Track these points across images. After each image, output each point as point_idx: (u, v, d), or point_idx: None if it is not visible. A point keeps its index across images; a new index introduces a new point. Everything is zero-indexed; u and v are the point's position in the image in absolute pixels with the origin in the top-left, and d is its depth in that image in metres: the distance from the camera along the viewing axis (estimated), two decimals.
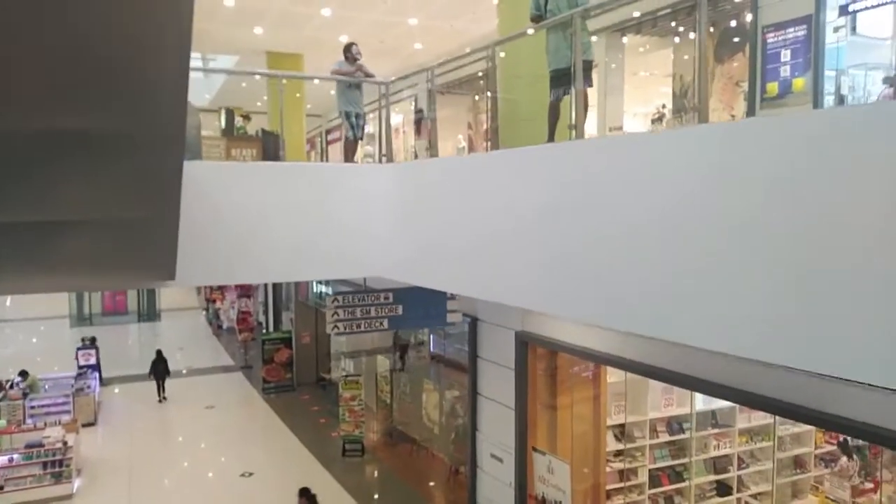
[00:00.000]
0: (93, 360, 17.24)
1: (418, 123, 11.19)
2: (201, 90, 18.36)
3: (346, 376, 13.27)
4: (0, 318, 26.96)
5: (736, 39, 7.89)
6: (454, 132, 12.77)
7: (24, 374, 14.56)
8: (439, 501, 10.76)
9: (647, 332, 4.12)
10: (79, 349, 17.58)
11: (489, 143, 6.17)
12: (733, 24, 7.89)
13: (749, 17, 7.45)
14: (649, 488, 8.09)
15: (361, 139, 8.29)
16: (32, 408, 13.56)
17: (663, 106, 10.40)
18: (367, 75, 7.95)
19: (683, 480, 8.25)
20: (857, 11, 6.70)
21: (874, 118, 2.81)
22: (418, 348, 12.69)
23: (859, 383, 4.15)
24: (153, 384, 16.49)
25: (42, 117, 2.52)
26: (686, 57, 8.92)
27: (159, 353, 16.76)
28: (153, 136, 2.84)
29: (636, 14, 8.69)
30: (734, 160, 3.28)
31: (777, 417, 8.01)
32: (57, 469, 11.13)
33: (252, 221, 6.19)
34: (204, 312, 29.26)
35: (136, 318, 28.71)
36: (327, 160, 13.99)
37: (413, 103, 11.47)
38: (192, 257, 5.58)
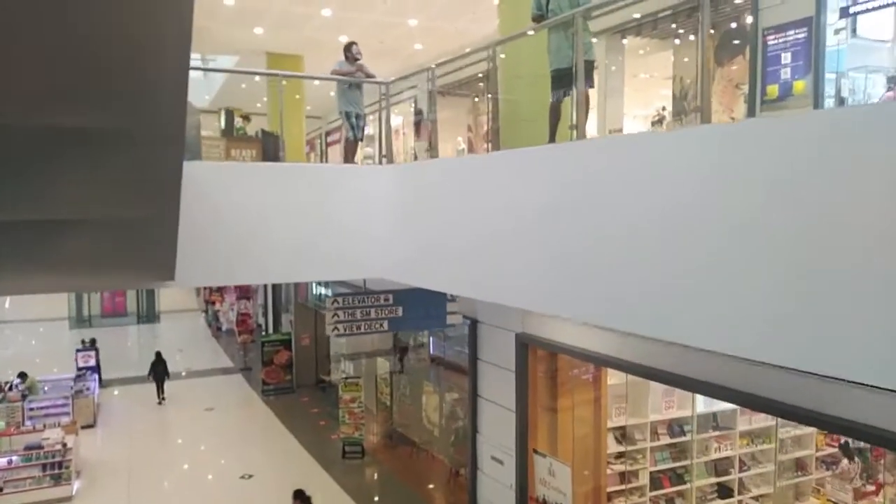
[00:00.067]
0: (92, 362, 17.22)
1: (418, 125, 11.18)
2: (201, 91, 18.36)
3: (346, 378, 13.25)
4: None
5: (736, 42, 7.89)
6: (454, 134, 12.76)
7: (23, 375, 14.53)
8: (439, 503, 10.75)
9: (647, 333, 4.11)
10: (78, 351, 17.56)
11: (490, 144, 6.16)
12: (733, 26, 7.89)
13: (749, 20, 7.45)
14: (650, 490, 8.08)
15: (361, 140, 8.28)
16: (31, 409, 13.53)
17: (663, 108, 10.41)
18: (368, 75, 7.94)
19: (684, 483, 8.23)
20: (858, 14, 6.70)
21: (875, 119, 2.80)
22: (418, 350, 12.67)
23: (860, 384, 4.14)
24: (153, 386, 16.46)
25: (42, 116, 2.52)
26: (686, 59, 8.92)
27: (158, 354, 16.74)
28: (153, 135, 2.84)
29: (636, 16, 8.70)
30: (735, 161, 3.27)
31: (778, 420, 8.00)
32: (56, 471, 11.09)
33: (252, 222, 6.18)
34: (203, 314, 29.23)
35: (136, 320, 28.67)
36: (327, 161, 13.97)
37: (413, 105, 11.46)
38: (192, 258, 5.57)
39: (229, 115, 11.88)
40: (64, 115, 2.53)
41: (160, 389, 16.44)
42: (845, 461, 7.65)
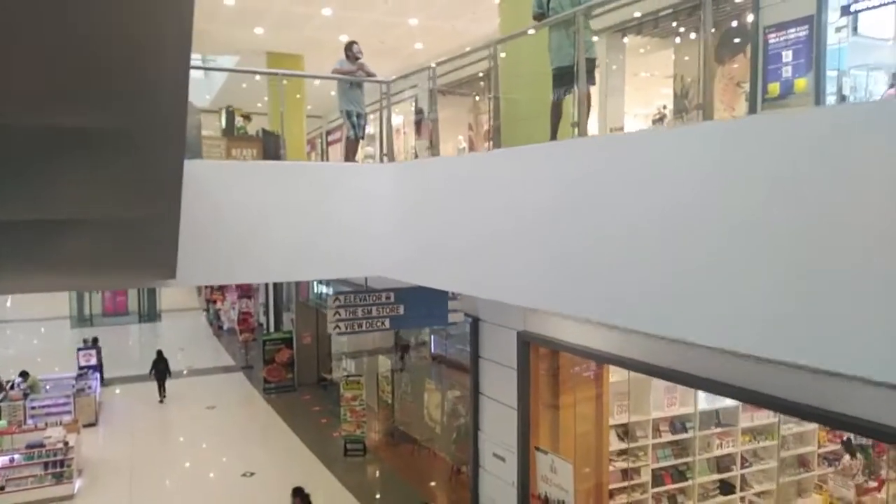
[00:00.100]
0: (93, 361, 17.25)
1: (418, 124, 11.19)
2: (202, 91, 18.38)
3: (348, 376, 13.26)
4: (1, 319, 26.95)
5: (737, 40, 7.88)
6: (454, 133, 12.77)
7: (24, 374, 14.56)
8: (441, 501, 10.75)
9: (649, 330, 4.11)
10: (79, 350, 17.59)
11: (491, 143, 6.16)
12: (734, 24, 7.89)
13: (750, 18, 7.44)
14: (652, 487, 8.08)
15: (363, 139, 8.28)
16: (33, 408, 13.56)
17: (664, 107, 10.41)
18: (369, 74, 7.93)
19: (686, 480, 8.24)
20: (859, 12, 6.69)
21: (876, 116, 2.80)
22: (419, 349, 12.68)
23: (863, 381, 4.14)
24: (154, 384, 16.49)
25: (43, 115, 2.52)
26: (687, 58, 8.92)
27: (160, 353, 16.77)
28: (154, 134, 2.83)
29: (637, 14, 8.69)
30: (737, 158, 3.27)
31: (780, 416, 8.00)
32: (58, 469, 11.12)
33: (253, 221, 6.18)
34: (204, 313, 29.26)
35: (137, 319, 28.72)
36: (328, 161, 13.98)
37: (413, 104, 11.46)
38: (193, 256, 5.57)
39: (230, 114, 11.88)
40: (65, 115, 2.53)
41: (161, 388, 16.46)
42: (847, 457, 7.65)
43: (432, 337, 11.87)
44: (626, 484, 8.03)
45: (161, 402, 16.33)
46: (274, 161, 7.96)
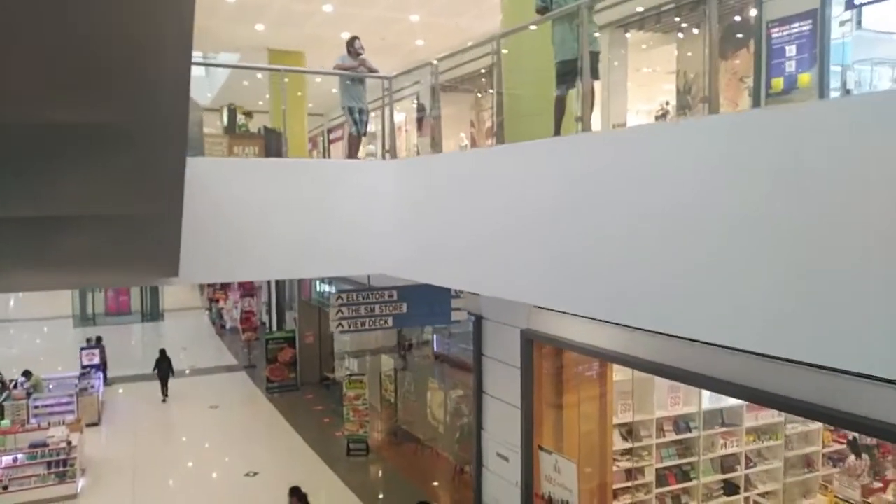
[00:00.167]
0: (96, 360, 17.25)
1: (420, 121, 11.15)
2: (203, 89, 18.36)
3: (350, 375, 13.24)
4: (4, 319, 26.98)
5: (739, 35, 7.84)
6: (456, 130, 12.72)
7: (27, 373, 14.56)
8: (445, 501, 10.72)
9: (652, 327, 4.08)
10: (82, 349, 17.59)
11: (494, 139, 6.13)
12: (737, 19, 7.84)
13: (753, 13, 7.40)
14: (656, 487, 8.05)
15: (365, 135, 8.25)
16: (36, 407, 13.55)
17: (667, 102, 10.36)
18: (370, 70, 7.89)
19: (691, 479, 8.20)
20: (864, 5, 6.65)
21: (883, 108, 2.76)
22: (422, 348, 12.65)
23: (869, 379, 4.10)
24: (157, 384, 16.49)
25: (44, 114, 2.50)
26: (689, 54, 8.88)
27: (163, 352, 16.78)
28: (156, 131, 2.82)
29: (639, 10, 8.65)
30: (739, 153, 3.24)
31: (785, 416, 7.96)
32: (61, 469, 11.10)
33: (255, 218, 6.16)
34: (207, 312, 29.26)
35: (140, 318, 28.75)
36: (330, 158, 13.95)
37: (415, 101, 11.42)
38: (196, 254, 5.55)
39: (232, 112, 11.86)
40: (66, 112, 2.52)
41: (164, 387, 16.46)
42: (852, 457, 7.60)
43: (435, 336, 11.84)
44: (629, 484, 8.00)
45: (164, 401, 16.33)
46: (276, 158, 7.94)
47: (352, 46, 7.86)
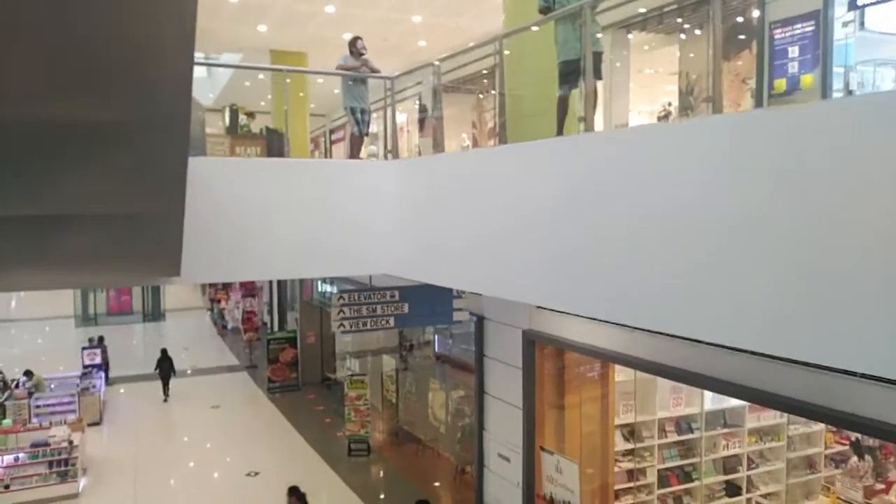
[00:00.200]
0: (98, 360, 17.26)
1: (422, 122, 11.14)
2: (205, 89, 18.36)
3: (352, 376, 13.24)
4: (6, 319, 27.01)
5: (742, 36, 7.83)
6: (458, 131, 12.71)
7: (28, 373, 14.57)
8: (446, 501, 10.71)
9: (653, 326, 4.08)
10: (84, 349, 17.61)
11: (496, 139, 6.12)
12: (739, 20, 7.83)
13: (755, 14, 7.39)
14: (658, 488, 8.04)
15: (367, 135, 8.25)
16: (38, 407, 13.56)
17: (669, 104, 10.35)
18: (373, 70, 7.89)
19: (692, 480, 8.19)
20: (866, 6, 6.64)
21: (884, 108, 2.76)
22: (423, 348, 12.65)
23: (872, 380, 4.09)
24: (158, 383, 16.50)
25: (45, 111, 2.50)
26: (692, 55, 8.86)
27: (164, 351, 16.79)
28: (158, 131, 2.81)
29: (642, 10, 8.64)
30: (743, 152, 3.23)
31: (788, 417, 7.95)
32: (62, 468, 11.11)
33: (257, 218, 6.16)
34: (209, 312, 29.27)
35: (141, 318, 28.77)
36: (331, 159, 13.94)
37: (417, 101, 11.43)
38: (197, 253, 5.55)
39: (234, 112, 11.87)
40: (69, 113, 2.52)
41: (166, 386, 16.47)
42: (854, 459, 7.59)
43: (436, 336, 11.84)
44: (631, 485, 7.99)
45: (165, 400, 16.34)
46: (278, 158, 7.94)
47: (354, 47, 7.86)
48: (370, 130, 8.63)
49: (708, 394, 7.90)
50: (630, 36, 9.32)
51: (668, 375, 6.10)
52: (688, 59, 8.86)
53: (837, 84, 6.75)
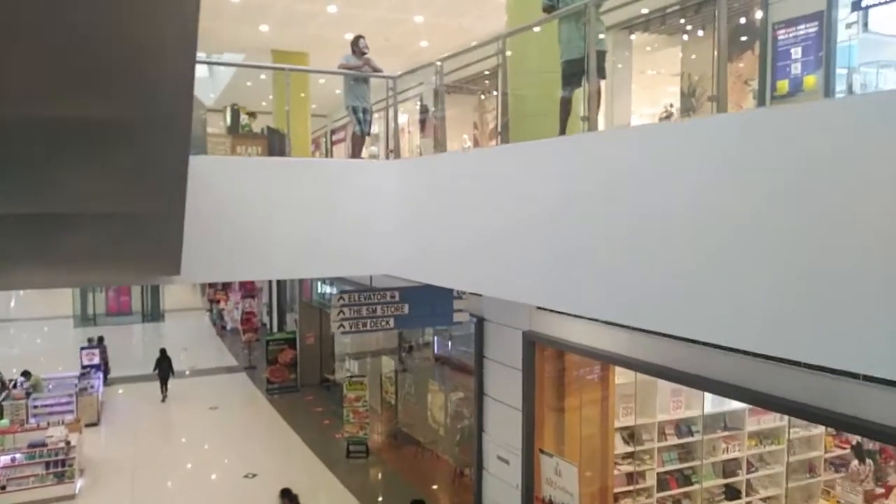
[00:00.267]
0: (96, 360, 17.22)
1: (423, 122, 11.14)
2: (207, 89, 18.36)
3: (351, 377, 13.20)
4: (5, 318, 26.96)
5: (744, 38, 7.82)
6: (459, 132, 12.70)
7: (26, 374, 14.53)
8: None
9: (654, 327, 4.06)
10: (83, 349, 17.57)
11: (497, 141, 6.10)
12: (742, 21, 7.82)
13: (759, 14, 7.37)
14: (657, 492, 8.01)
15: (368, 134, 8.23)
16: (35, 407, 13.52)
17: (671, 105, 10.33)
18: (375, 70, 7.88)
19: (692, 484, 8.16)
20: (870, 7, 6.62)
21: (885, 107, 2.74)
22: (423, 349, 12.62)
23: (873, 383, 4.07)
24: (156, 384, 16.48)
25: (46, 110, 2.48)
26: (694, 56, 8.85)
27: (163, 351, 16.78)
28: (159, 129, 2.80)
29: (644, 11, 8.63)
30: (743, 152, 3.22)
31: (788, 420, 7.92)
32: (59, 469, 11.06)
33: (257, 217, 6.14)
34: (208, 313, 29.24)
35: (140, 319, 28.72)
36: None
37: (418, 102, 11.42)
38: (197, 252, 5.52)
39: (235, 112, 11.86)
40: (70, 112, 2.51)
41: (164, 386, 16.43)
42: (855, 462, 7.56)
43: (435, 338, 11.81)
44: (631, 488, 7.96)
45: (163, 400, 16.30)
46: (279, 157, 7.91)
47: (356, 46, 7.84)
48: (372, 131, 8.62)
49: (708, 397, 7.87)
50: (632, 37, 9.31)
51: (669, 377, 6.07)
52: (690, 61, 8.84)
53: (840, 86, 6.74)
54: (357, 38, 7.86)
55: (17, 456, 11.05)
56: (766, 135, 3.13)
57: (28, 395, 13.81)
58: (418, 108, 11.42)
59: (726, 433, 8.27)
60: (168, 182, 3.51)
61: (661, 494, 8.04)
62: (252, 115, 12.51)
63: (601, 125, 8.01)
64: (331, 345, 16.81)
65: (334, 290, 13.08)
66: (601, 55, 4.94)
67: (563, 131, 5.28)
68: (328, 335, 16.59)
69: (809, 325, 2.89)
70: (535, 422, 7.59)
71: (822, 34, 6.62)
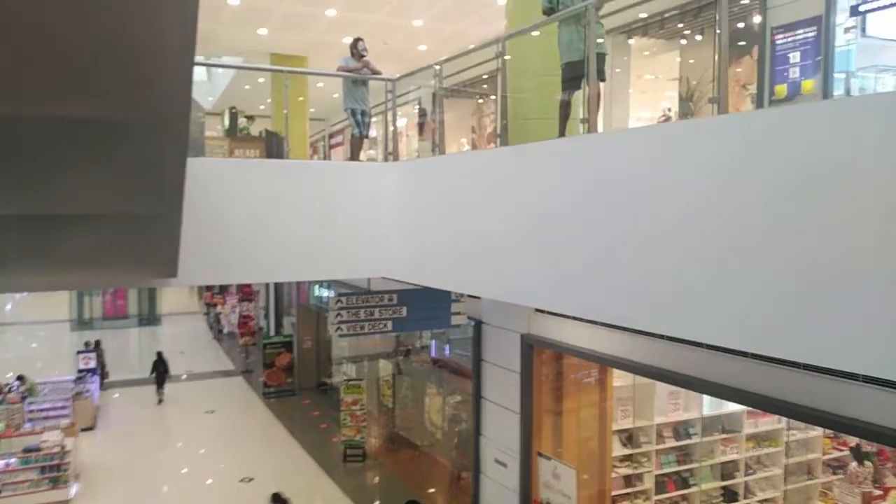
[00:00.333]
0: (92, 364, 17.15)
1: (421, 126, 11.14)
2: (205, 93, 18.36)
3: (348, 380, 13.17)
4: (0, 322, 26.86)
5: (742, 43, 7.85)
6: (457, 136, 12.72)
7: (21, 378, 14.44)
8: None
9: (653, 329, 4.07)
10: (79, 353, 17.50)
11: (497, 143, 6.10)
12: (740, 25, 7.85)
13: (757, 19, 7.40)
14: (655, 494, 8.00)
15: (367, 137, 8.23)
16: (31, 411, 13.43)
17: (669, 109, 10.36)
18: (374, 72, 7.88)
19: (690, 486, 8.15)
20: (868, 12, 6.65)
21: (886, 108, 2.74)
22: (420, 353, 12.60)
23: (873, 384, 4.07)
24: (152, 388, 16.43)
25: (43, 110, 2.48)
26: (692, 61, 8.88)
27: (160, 354, 16.74)
28: (157, 131, 2.80)
29: (643, 15, 8.66)
30: (744, 154, 3.22)
31: (786, 422, 7.92)
32: (54, 474, 10.98)
33: (255, 220, 6.13)
34: (204, 317, 29.16)
35: (137, 322, 28.62)
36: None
37: (417, 106, 11.43)
38: (195, 255, 5.51)
39: (233, 115, 11.85)
40: (68, 113, 2.51)
41: (160, 389, 16.37)
42: (854, 464, 7.55)
43: (433, 341, 11.79)
44: (629, 490, 7.95)
45: (159, 403, 16.24)
46: (277, 159, 7.91)
47: (355, 48, 7.85)
48: (370, 134, 8.62)
49: (706, 399, 7.87)
50: (631, 41, 9.34)
51: (668, 380, 6.06)
52: (688, 65, 8.88)
53: (838, 90, 6.77)
54: (356, 41, 7.87)
55: (12, 460, 10.98)
56: (765, 136, 3.14)
57: (23, 399, 13.73)
58: (416, 111, 11.43)
59: (724, 435, 8.27)
60: (166, 184, 3.50)
61: (659, 497, 8.03)
62: (250, 118, 12.50)
63: (600, 127, 8.04)
64: (328, 348, 16.77)
65: (331, 294, 13.06)
66: (601, 58, 4.96)
67: (562, 134, 5.29)
68: (325, 339, 16.57)
69: (809, 326, 2.89)
70: (533, 425, 7.57)
71: (821, 39, 6.65)
